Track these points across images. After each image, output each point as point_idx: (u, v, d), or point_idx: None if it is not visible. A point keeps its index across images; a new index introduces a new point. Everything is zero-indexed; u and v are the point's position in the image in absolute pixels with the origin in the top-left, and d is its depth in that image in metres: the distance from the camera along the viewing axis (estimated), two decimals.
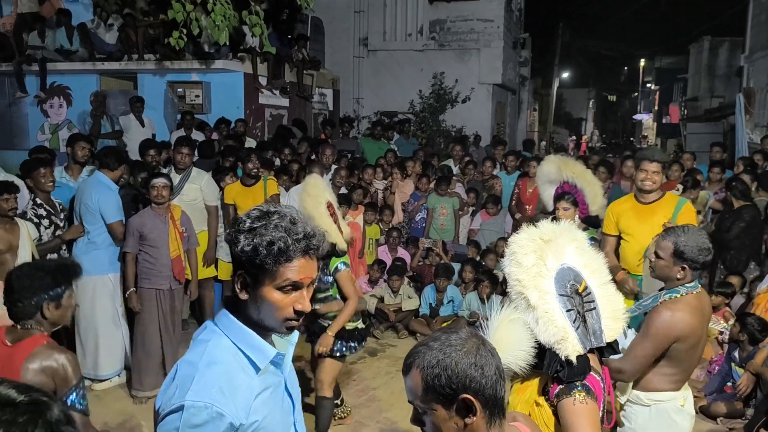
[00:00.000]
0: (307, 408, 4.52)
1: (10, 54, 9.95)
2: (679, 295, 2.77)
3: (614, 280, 2.35)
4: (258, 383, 1.60)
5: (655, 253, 2.87)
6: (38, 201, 4.99)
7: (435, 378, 1.43)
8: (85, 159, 5.78)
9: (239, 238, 1.55)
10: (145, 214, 5.03)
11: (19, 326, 2.61)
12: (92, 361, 5.19)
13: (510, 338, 1.97)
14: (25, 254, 4.53)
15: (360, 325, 4.29)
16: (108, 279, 5.23)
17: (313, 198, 4.08)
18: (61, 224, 5.15)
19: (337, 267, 4.09)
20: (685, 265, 2.75)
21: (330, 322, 4.11)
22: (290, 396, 1.75)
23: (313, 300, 4.02)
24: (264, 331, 1.63)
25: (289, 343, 1.72)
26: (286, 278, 1.55)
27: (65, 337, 5.19)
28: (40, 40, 9.73)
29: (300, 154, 8.42)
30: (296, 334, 1.73)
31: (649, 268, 3.00)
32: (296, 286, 1.57)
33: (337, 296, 4.18)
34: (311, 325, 4.27)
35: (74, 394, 2.52)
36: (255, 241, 1.53)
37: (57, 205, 5.17)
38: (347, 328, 4.17)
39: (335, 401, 4.46)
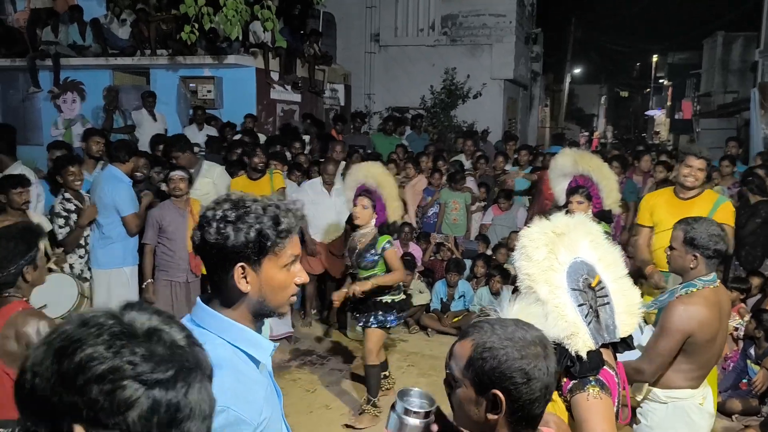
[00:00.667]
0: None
1: (23, 49, 10.02)
2: (695, 289, 2.74)
3: (640, 275, 2.32)
4: (260, 380, 1.59)
5: (670, 245, 2.87)
6: (67, 195, 5.05)
7: (481, 360, 1.41)
8: (100, 154, 5.83)
9: (228, 232, 1.50)
10: (165, 207, 5.11)
11: (7, 296, 2.66)
12: None
13: None
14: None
15: (399, 297, 4.72)
16: (123, 272, 5.26)
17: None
18: None
19: (384, 246, 4.53)
20: (696, 253, 2.74)
21: (376, 298, 4.58)
22: (275, 387, 1.73)
23: (361, 278, 4.61)
24: (261, 318, 1.62)
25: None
26: (290, 254, 1.56)
27: None
28: (53, 36, 9.79)
29: (311, 149, 8.43)
30: (269, 327, 1.74)
31: (667, 261, 2.97)
32: (294, 260, 1.59)
33: (381, 274, 4.60)
34: (356, 305, 4.70)
35: None
36: (257, 226, 1.50)
37: (86, 200, 5.22)
38: (386, 301, 4.61)
39: (384, 372, 4.97)
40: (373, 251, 4.56)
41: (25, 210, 4.59)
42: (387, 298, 4.65)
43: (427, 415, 1.51)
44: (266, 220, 1.52)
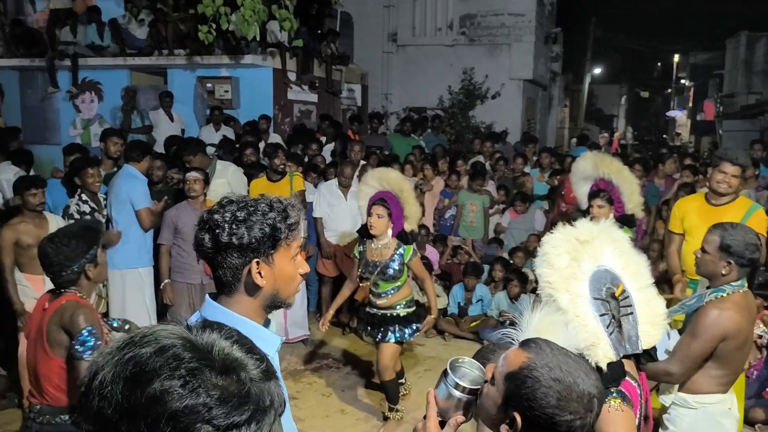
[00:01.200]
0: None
1: (42, 50, 10.09)
2: (725, 294, 2.72)
3: (664, 279, 2.28)
4: None
5: (702, 248, 2.83)
6: (83, 197, 5.04)
7: (521, 381, 1.38)
8: (118, 154, 5.82)
9: (242, 231, 1.57)
10: (181, 207, 5.09)
11: (63, 292, 2.81)
12: None
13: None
14: None
15: (413, 308, 4.60)
16: (138, 273, 5.25)
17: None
18: (104, 220, 5.18)
19: (411, 257, 4.40)
20: (731, 260, 2.71)
21: (394, 311, 4.48)
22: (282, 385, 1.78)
23: (381, 292, 4.50)
24: (269, 310, 1.70)
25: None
26: (296, 246, 1.67)
27: None
28: (72, 36, 9.85)
29: (333, 151, 8.37)
30: (273, 323, 1.82)
31: (695, 264, 2.93)
32: (298, 252, 1.70)
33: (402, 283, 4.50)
34: (370, 318, 4.58)
35: (79, 344, 2.61)
36: (268, 221, 1.58)
37: (102, 201, 5.23)
38: (403, 314, 4.49)
39: (399, 381, 4.80)
40: (399, 262, 4.38)
41: (41, 211, 4.59)
42: (402, 311, 4.50)
43: (474, 392, 1.52)
44: (275, 215, 1.60)
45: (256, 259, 1.59)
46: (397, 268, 4.38)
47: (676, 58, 40.99)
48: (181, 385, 0.79)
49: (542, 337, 1.83)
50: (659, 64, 46.71)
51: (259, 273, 1.61)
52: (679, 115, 41.42)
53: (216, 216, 1.60)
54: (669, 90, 46.30)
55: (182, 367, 0.80)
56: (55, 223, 4.64)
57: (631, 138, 33.98)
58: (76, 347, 2.61)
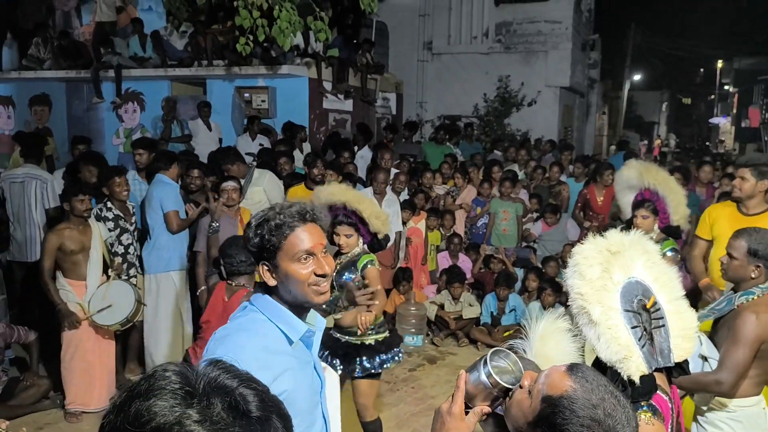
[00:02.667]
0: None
1: (88, 61, 10.42)
2: (755, 297, 2.76)
3: (694, 290, 2.28)
4: (288, 357, 1.77)
5: (728, 254, 2.86)
6: (108, 204, 5.15)
7: (557, 410, 1.33)
8: (143, 165, 5.91)
9: (249, 237, 1.81)
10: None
11: (233, 283, 3.37)
12: (155, 359, 5.34)
13: (557, 350, 1.87)
14: (96, 255, 4.71)
15: (383, 335, 3.90)
16: (170, 276, 5.36)
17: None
18: (131, 228, 5.29)
19: (366, 264, 3.82)
20: (759, 264, 2.76)
21: (361, 339, 3.80)
22: (319, 376, 1.90)
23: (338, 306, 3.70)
24: (299, 310, 1.83)
25: (317, 329, 1.90)
26: (298, 249, 1.77)
27: (134, 332, 5.38)
28: (116, 48, 10.14)
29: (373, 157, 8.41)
30: (323, 320, 1.95)
31: (721, 270, 2.97)
32: (310, 254, 1.79)
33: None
34: (334, 345, 3.87)
35: None
36: (261, 231, 1.78)
37: (130, 209, 5.34)
38: (369, 342, 3.82)
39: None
40: (353, 269, 3.84)
41: (87, 217, 4.73)
42: (369, 339, 3.82)
43: (506, 390, 1.49)
44: (270, 223, 1.78)
45: (262, 262, 1.82)
46: (350, 277, 3.83)
47: (720, 63, 40.06)
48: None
49: (549, 347, 1.83)
50: (702, 69, 45.66)
51: (270, 273, 1.81)
52: (723, 122, 40.43)
53: (250, 220, 1.87)
54: (712, 96, 45.25)
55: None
56: (98, 230, 4.78)
57: (673, 145, 33.31)
58: None
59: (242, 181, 6.00)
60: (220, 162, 6.17)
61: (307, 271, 1.78)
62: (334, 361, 3.82)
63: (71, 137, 6.97)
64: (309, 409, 1.85)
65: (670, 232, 4.48)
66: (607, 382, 1.41)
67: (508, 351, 1.60)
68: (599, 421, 1.31)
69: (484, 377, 1.49)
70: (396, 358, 3.93)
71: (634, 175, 4.83)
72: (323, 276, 1.80)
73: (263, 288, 1.87)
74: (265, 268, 1.81)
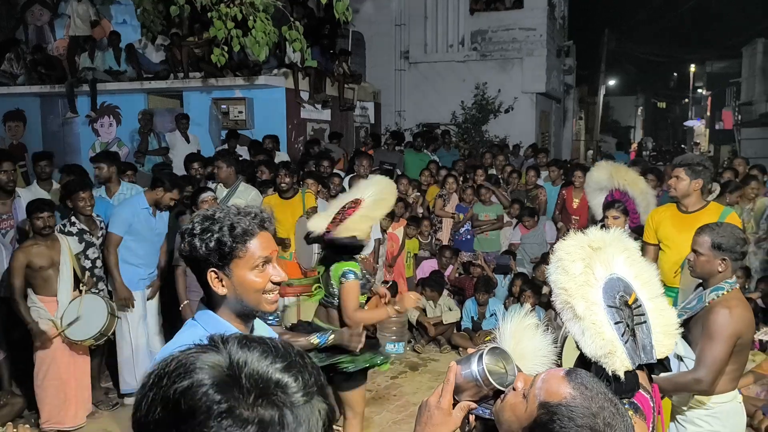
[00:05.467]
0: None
1: (62, 75, 10.30)
2: (724, 292, 2.79)
3: None
4: None
5: (694, 250, 2.89)
6: (73, 219, 5.03)
7: (559, 416, 1.30)
8: (103, 179, 5.81)
9: (195, 242, 1.69)
10: None
11: None
12: (126, 374, 5.25)
13: (532, 347, 1.86)
14: (66, 270, 4.62)
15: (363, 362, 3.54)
16: (136, 295, 5.23)
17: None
18: (98, 242, 5.16)
19: (344, 273, 3.37)
20: (725, 257, 2.79)
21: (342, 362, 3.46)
22: None
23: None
24: (247, 318, 1.78)
25: (268, 332, 1.89)
26: (257, 256, 1.70)
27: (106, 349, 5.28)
28: (90, 62, 10.04)
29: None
30: (268, 329, 1.92)
31: (688, 267, 3.00)
32: (267, 261, 1.73)
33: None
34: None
35: None
36: (216, 235, 1.67)
37: (98, 223, 5.19)
38: (344, 367, 3.46)
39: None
40: (330, 279, 3.52)
41: (47, 234, 4.60)
42: (345, 363, 3.41)
43: (498, 393, 1.45)
44: (224, 228, 1.67)
45: (211, 269, 1.71)
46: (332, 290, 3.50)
47: (692, 67, 40.76)
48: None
49: (523, 345, 1.80)
50: (675, 74, 46.46)
51: (219, 282, 1.72)
52: (698, 125, 41.10)
53: (185, 227, 1.75)
54: (686, 100, 46.00)
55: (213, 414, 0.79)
56: (66, 243, 4.69)
57: (650, 148, 33.76)
58: None
59: (224, 190, 5.95)
60: (218, 157, 6.10)
61: (263, 279, 1.73)
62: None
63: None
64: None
65: (640, 231, 4.54)
66: (606, 389, 1.38)
67: (504, 350, 1.58)
68: (598, 430, 1.28)
69: (477, 374, 1.45)
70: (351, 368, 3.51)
71: (604, 176, 4.90)
72: (278, 284, 1.77)
73: (206, 299, 1.80)
74: (215, 275, 1.71)
